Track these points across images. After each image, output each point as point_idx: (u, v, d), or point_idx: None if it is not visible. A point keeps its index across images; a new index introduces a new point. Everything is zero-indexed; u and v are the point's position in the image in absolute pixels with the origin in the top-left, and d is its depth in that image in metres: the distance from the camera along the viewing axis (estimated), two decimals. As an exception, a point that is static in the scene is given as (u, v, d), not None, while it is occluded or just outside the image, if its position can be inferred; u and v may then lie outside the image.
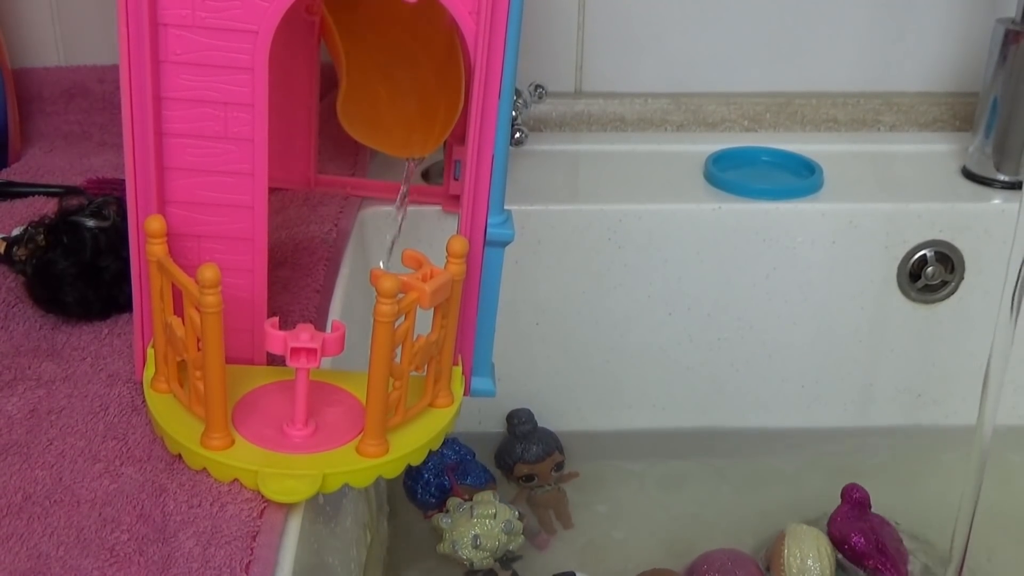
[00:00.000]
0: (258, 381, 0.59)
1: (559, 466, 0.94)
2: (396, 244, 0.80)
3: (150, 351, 0.59)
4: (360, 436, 0.55)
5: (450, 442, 0.91)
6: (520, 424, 0.95)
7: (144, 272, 0.57)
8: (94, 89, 0.98)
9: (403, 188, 0.78)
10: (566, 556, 0.88)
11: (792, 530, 0.84)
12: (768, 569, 0.84)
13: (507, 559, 0.85)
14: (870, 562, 0.83)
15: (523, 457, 0.93)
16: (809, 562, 0.81)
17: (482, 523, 0.82)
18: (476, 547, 0.82)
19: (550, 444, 0.94)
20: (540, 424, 0.96)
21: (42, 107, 0.98)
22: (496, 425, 0.97)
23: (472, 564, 0.83)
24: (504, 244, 0.63)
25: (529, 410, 0.96)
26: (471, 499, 0.86)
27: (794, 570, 0.82)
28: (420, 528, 0.88)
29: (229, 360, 0.54)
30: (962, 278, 0.96)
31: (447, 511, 0.85)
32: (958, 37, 1.04)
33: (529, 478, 0.93)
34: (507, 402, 0.96)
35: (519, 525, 0.84)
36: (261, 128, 0.56)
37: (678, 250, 0.93)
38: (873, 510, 0.87)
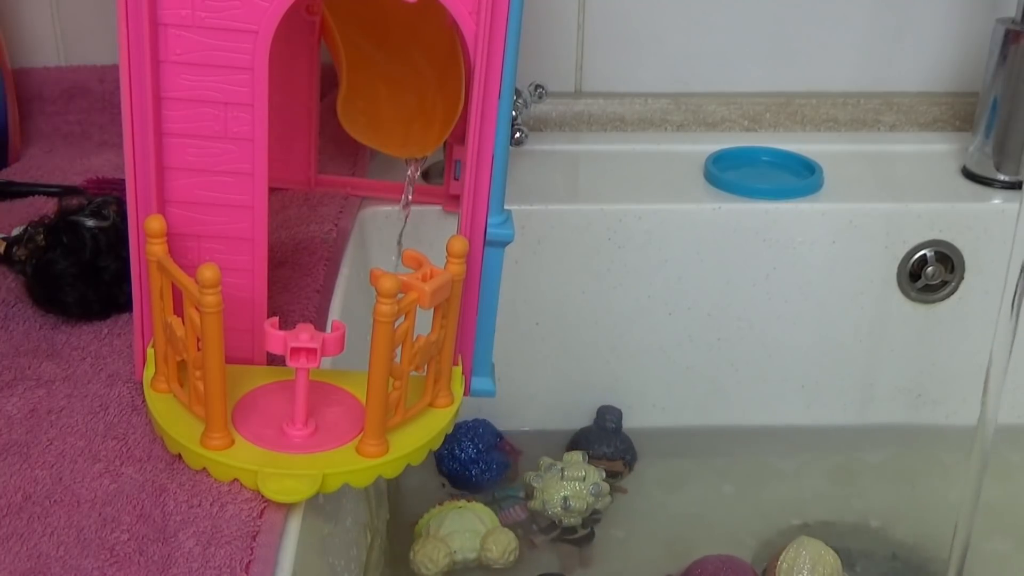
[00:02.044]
0: (258, 381, 0.59)
1: (615, 475, 0.94)
2: (400, 245, 0.80)
3: (150, 351, 0.59)
4: (360, 436, 0.55)
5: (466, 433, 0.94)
6: (606, 421, 0.96)
7: (144, 272, 0.57)
8: (94, 89, 0.98)
9: (407, 188, 0.79)
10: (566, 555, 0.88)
11: (796, 541, 0.83)
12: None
13: (591, 518, 0.88)
14: None
15: (588, 449, 0.94)
16: (804, 574, 0.81)
17: (572, 485, 0.87)
18: (566, 509, 0.86)
19: (618, 452, 0.95)
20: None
21: (42, 107, 0.98)
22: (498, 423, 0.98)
23: (560, 522, 0.87)
24: (504, 244, 0.63)
25: (620, 411, 0.97)
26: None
27: None
28: (420, 528, 0.88)
29: (229, 360, 0.54)
30: (962, 278, 0.96)
31: (538, 469, 0.89)
32: (958, 37, 1.04)
33: None
34: (507, 402, 0.96)
35: (606, 487, 0.88)
36: (261, 128, 0.56)
37: (678, 250, 0.93)
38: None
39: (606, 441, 0.95)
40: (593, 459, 0.93)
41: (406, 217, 0.80)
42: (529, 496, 0.89)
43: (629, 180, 0.97)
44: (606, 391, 0.99)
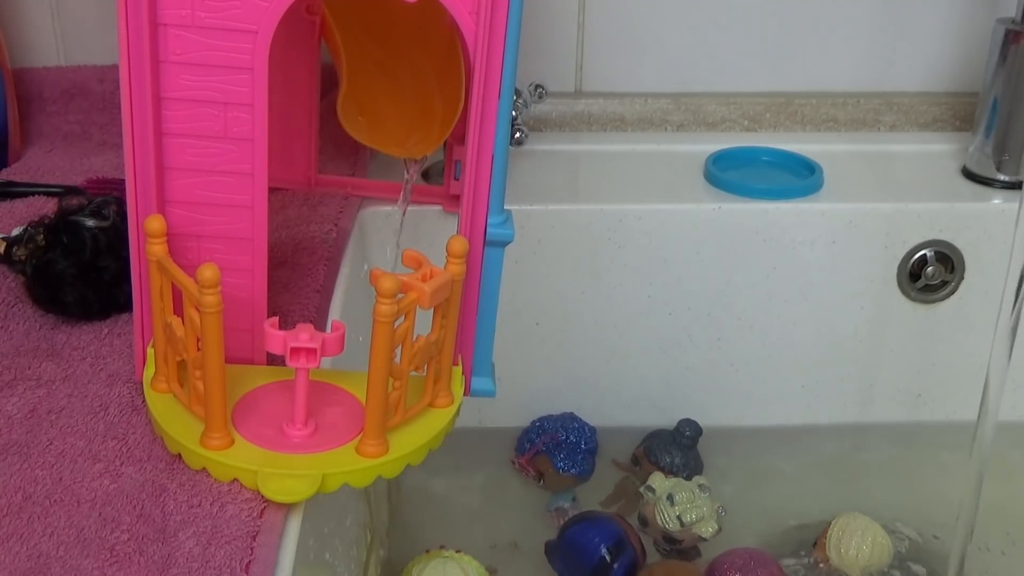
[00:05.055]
0: (258, 381, 0.59)
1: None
2: (399, 245, 0.80)
3: (150, 351, 0.59)
4: (360, 436, 0.55)
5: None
6: (682, 435, 0.94)
7: (144, 272, 0.57)
8: (94, 89, 0.98)
9: (405, 189, 0.78)
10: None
11: (846, 514, 0.86)
12: (814, 545, 0.85)
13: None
14: None
15: (658, 458, 0.93)
16: (853, 547, 0.82)
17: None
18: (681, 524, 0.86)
19: (685, 468, 0.93)
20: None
21: (42, 107, 0.98)
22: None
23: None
24: (504, 244, 0.63)
25: (700, 427, 0.94)
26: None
27: (834, 553, 0.83)
28: (420, 528, 0.88)
29: (229, 360, 0.54)
30: (962, 278, 0.96)
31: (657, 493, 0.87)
32: (958, 37, 1.04)
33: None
34: (506, 401, 0.96)
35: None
36: (261, 128, 0.56)
37: (678, 250, 0.93)
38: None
39: (678, 454, 0.93)
40: (656, 467, 0.92)
41: (402, 219, 0.79)
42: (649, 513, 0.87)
43: (629, 180, 0.97)
44: (606, 391, 0.99)
